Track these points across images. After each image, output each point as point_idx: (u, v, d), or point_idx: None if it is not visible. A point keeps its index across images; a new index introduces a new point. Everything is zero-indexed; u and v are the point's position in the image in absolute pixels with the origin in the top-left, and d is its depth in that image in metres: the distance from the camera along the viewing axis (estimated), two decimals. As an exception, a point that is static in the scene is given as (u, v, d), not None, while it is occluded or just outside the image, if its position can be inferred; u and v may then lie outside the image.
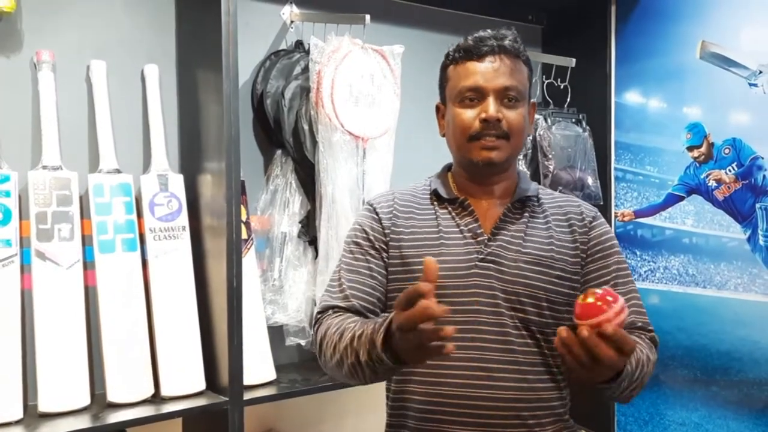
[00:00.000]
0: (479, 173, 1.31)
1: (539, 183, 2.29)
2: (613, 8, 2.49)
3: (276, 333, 1.97)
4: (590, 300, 1.00)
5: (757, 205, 2.11)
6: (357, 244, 1.32)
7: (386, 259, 1.30)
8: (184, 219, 1.79)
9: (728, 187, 2.19)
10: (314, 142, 1.91)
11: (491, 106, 1.23)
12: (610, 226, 2.49)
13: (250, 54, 2.00)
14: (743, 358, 2.16)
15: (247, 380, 1.73)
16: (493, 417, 1.22)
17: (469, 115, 1.26)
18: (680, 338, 2.31)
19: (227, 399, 1.67)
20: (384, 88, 1.92)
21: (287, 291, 1.96)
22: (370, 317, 1.25)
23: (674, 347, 2.32)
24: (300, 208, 2.00)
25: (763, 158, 2.10)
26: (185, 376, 1.72)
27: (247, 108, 2.01)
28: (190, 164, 1.86)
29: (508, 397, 1.23)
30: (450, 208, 1.32)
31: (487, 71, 1.24)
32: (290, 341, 1.96)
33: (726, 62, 2.18)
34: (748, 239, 2.14)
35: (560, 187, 2.26)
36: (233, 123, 1.68)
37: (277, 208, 2.01)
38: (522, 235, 1.28)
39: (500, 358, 1.23)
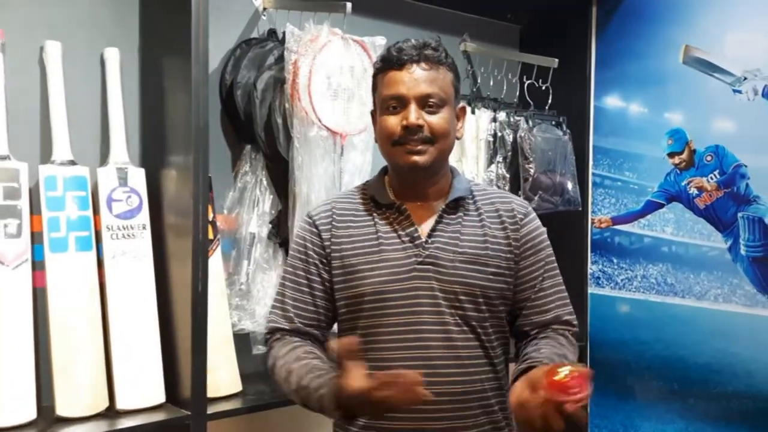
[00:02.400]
0: (409, 177, 1.36)
1: (519, 187, 2.21)
2: (594, 9, 2.44)
3: (242, 341, 1.85)
4: (564, 379, 1.08)
5: (739, 214, 2.08)
6: (299, 260, 1.40)
7: (328, 272, 1.37)
8: (144, 217, 1.68)
9: (710, 195, 2.15)
10: (288, 138, 1.79)
11: (412, 114, 1.30)
12: (588, 232, 2.44)
13: (218, 42, 1.88)
14: (722, 370, 2.12)
15: (211, 392, 1.64)
16: (437, 411, 1.29)
17: (392, 122, 1.32)
18: (657, 349, 2.26)
19: (189, 413, 1.57)
20: (364, 82, 1.81)
21: (255, 296, 1.85)
22: (315, 333, 1.38)
23: (651, 358, 2.27)
24: (271, 207, 1.89)
25: (746, 166, 2.07)
26: (143, 388, 1.60)
27: (215, 99, 1.90)
28: (153, 157, 1.74)
29: (452, 390, 1.31)
30: (388, 213, 1.38)
31: (407, 80, 1.31)
32: (258, 350, 1.84)
33: (710, 67, 2.15)
34: (729, 249, 2.11)
35: (540, 192, 2.19)
36: (202, 113, 1.58)
37: (245, 207, 1.89)
38: (457, 235, 1.35)
39: (443, 354, 1.31)
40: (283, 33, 1.89)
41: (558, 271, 1.43)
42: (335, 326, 1.46)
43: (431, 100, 1.31)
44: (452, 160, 2.37)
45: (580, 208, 2.37)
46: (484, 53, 2.37)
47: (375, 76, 1.39)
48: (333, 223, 1.39)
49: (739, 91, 2.08)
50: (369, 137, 1.83)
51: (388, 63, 1.34)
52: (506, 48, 2.57)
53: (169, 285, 1.66)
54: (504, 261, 1.36)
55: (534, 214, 1.43)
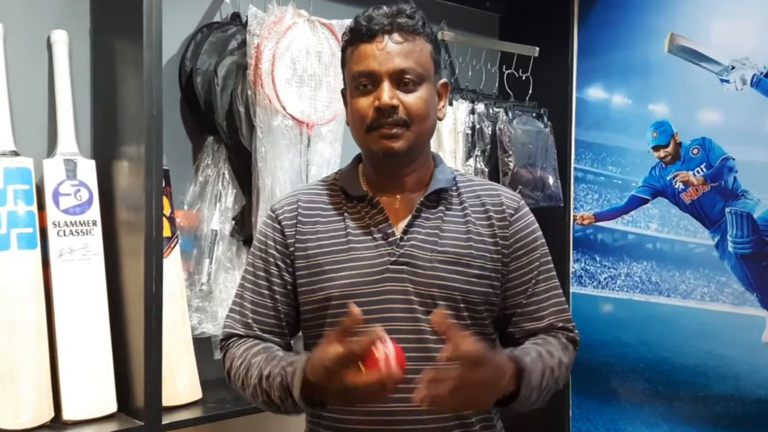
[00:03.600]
0: (384, 165, 1.21)
1: (498, 182, 2.12)
2: (576, -3, 2.35)
3: (202, 345, 1.75)
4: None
5: (727, 210, 2.00)
6: (260, 259, 1.25)
7: (291, 274, 1.22)
8: (95, 212, 1.58)
9: (696, 189, 2.07)
10: (251, 127, 1.69)
11: (385, 93, 1.13)
12: (569, 229, 2.35)
13: (178, 26, 1.78)
14: (709, 372, 2.04)
15: (168, 401, 1.56)
16: (411, 427, 1.15)
17: (363, 103, 1.16)
18: (642, 350, 2.17)
19: (142, 423, 1.49)
20: (332, 68, 1.70)
21: (217, 297, 1.74)
22: (275, 341, 1.22)
23: (635, 360, 2.18)
24: (234, 202, 1.78)
25: (734, 159, 1.99)
26: (93, 397, 1.51)
27: (175, 88, 1.79)
28: (104, 148, 1.64)
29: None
30: (359, 207, 1.23)
31: (379, 53, 1.14)
32: (220, 355, 1.71)
33: (696, 56, 2.07)
34: (717, 245, 2.03)
35: (520, 187, 2.10)
36: (155, 101, 1.48)
37: (207, 202, 1.78)
38: (437, 231, 1.20)
39: (418, 368, 1.10)
40: (247, 16, 1.79)
41: (554, 273, 1.27)
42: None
43: (407, 76, 1.14)
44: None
45: (562, 204, 2.28)
46: (462, 42, 2.27)
47: (344, 50, 1.22)
48: (298, 218, 1.24)
49: (727, 81, 1.99)
50: (338, 127, 1.73)
51: (357, 34, 1.17)
52: (485, 37, 2.47)
53: (121, 285, 1.57)
54: (490, 262, 1.20)
55: (527, 209, 1.27)
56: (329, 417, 1.18)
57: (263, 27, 1.64)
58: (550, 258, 1.27)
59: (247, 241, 1.77)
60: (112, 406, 1.52)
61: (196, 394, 1.67)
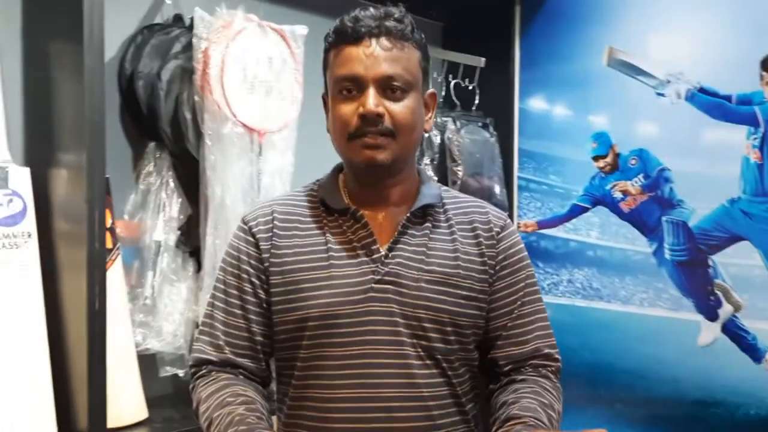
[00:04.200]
0: (366, 177, 1.14)
1: (445, 190, 2.12)
2: (518, 8, 2.39)
3: (148, 362, 1.66)
4: None
5: (664, 218, 2.07)
6: (232, 275, 1.15)
7: (266, 292, 1.13)
8: (30, 223, 1.47)
9: (634, 199, 2.14)
10: (198, 134, 1.62)
11: (370, 99, 1.06)
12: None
13: (116, 27, 1.69)
14: (648, 375, 2.10)
15: (113, 421, 1.47)
16: None
17: (346, 109, 1.08)
18: (584, 355, 2.22)
19: None
20: (284, 74, 1.66)
21: (162, 311, 1.66)
22: (249, 366, 1.14)
23: (578, 365, 2.23)
24: (179, 212, 1.70)
25: (670, 170, 2.06)
26: (30, 420, 1.41)
27: (113, 91, 1.70)
28: (39, 155, 1.54)
29: None
30: (341, 221, 1.14)
31: (365, 57, 1.06)
32: (165, 371, 1.66)
33: (633, 70, 2.13)
34: (654, 253, 2.10)
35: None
36: (97, 106, 1.40)
37: (149, 211, 1.70)
38: (423, 249, 1.12)
39: (402, 395, 1.07)
40: (191, 19, 1.72)
41: (539, 295, 1.20)
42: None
43: (394, 83, 1.07)
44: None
45: (507, 213, 2.30)
46: (407, 50, 2.26)
47: (327, 52, 1.14)
48: (274, 230, 1.14)
49: (663, 95, 2.07)
50: (291, 135, 1.68)
51: (342, 36, 1.09)
52: (429, 46, 2.47)
53: (60, 301, 1.47)
54: (477, 283, 1.13)
55: (513, 227, 1.21)
56: (308, 416, 1.11)
57: (211, 30, 1.58)
58: (536, 279, 1.21)
59: (194, 253, 1.71)
60: (51, 429, 1.41)
61: (142, 413, 1.58)
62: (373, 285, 1.09)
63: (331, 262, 1.10)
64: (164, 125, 1.64)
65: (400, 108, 1.07)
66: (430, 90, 1.17)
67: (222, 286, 1.15)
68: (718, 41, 1.97)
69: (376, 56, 1.06)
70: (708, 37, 1.99)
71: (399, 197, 1.15)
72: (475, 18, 2.44)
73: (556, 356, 1.19)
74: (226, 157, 1.58)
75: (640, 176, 2.12)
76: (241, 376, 1.13)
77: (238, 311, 1.13)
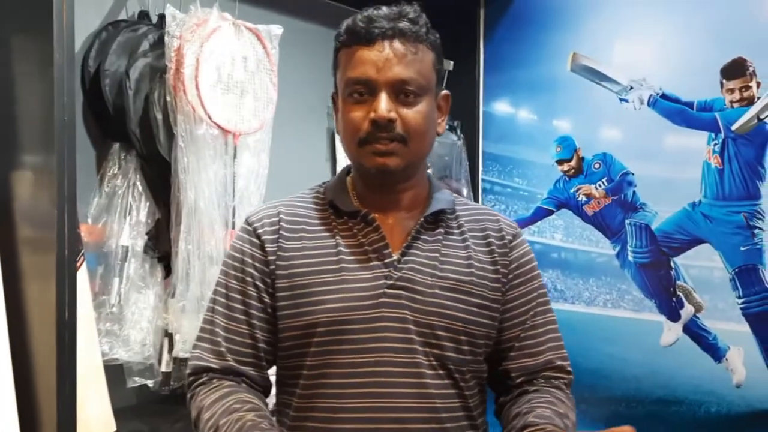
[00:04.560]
0: (376, 182, 1.09)
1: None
2: (482, 12, 2.40)
3: (114, 372, 1.59)
4: None
5: (627, 221, 2.12)
6: (234, 278, 1.09)
7: (271, 296, 1.07)
8: (-11, 229, 1.37)
9: (598, 202, 2.18)
10: (170, 136, 1.57)
11: (382, 104, 1.01)
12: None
13: (78, 22, 1.59)
14: (611, 375, 2.14)
15: None
16: None
17: (357, 114, 1.04)
18: (548, 356, 2.25)
19: None
20: (259, 75, 1.62)
21: (129, 319, 1.60)
22: (252, 374, 1.08)
23: (542, 365, 2.25)
24: (147, 216, 1.64)
25: (633, 174, 2.11)
26: None
27: (75, 89, 1.61)
28: (1, 157, 1.43)
29: None
30: (351, 224, 1.09)
31: (378, 60, 1.02)
32: (134, 382, 1.60)
33: (597, 76, 2.17)
34: (618, 255, 2.14)
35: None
36: (67, 106, 1.33)
37: (115, 215, 1.64)
38: (437, 255, 1.08)
39: (415, 405, 1.03)
40: (159, 16, 1.68)
41: (550, 305, 1.17)
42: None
43: (408, 87, 1.02)
44: (345, 163, 2.26)
45: (473, 215, 2.32)
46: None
47: (337, 51, 1.09)
48: (281, 232, 1.08)
49: (626, 100, 2.11)
50: (266, 137, 1.64)
51: (355, 36, 1.04)
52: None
53: (23, 311, 1.38)
54: (490, 291, 1.09)
55: (523, 236, 1.18)
56: (313, 427, 1.06)
57: (184, 29, 1.53)
58: (546, 290, 1.18)
59: (162, 258, 1.64)
60: (14, 448, 1.35)
61: (110, 425, 1.51)
62: (385, 290, 1.04)
63: (342, 265, 1.05)
64: (133, 126, 1.58)
65: (412, 113, 1.03)
66: (444, 91, 1.13)
67: (223, 290, 1.09)
68: (680, 49, 2.03)
69: (388, 59, 1.02)
70: (670, 45, 2.04)
71: (409, 202, 1.11)
72: (439, 22, 2.42)
73: (569, 369, 1.16)
74: (199, 160, 1.53)
75: (604, 180, 2.16)
76: (243, 384, 1.07)
77: (241, 316, 1.07)
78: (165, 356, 1.62)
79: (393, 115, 1.02)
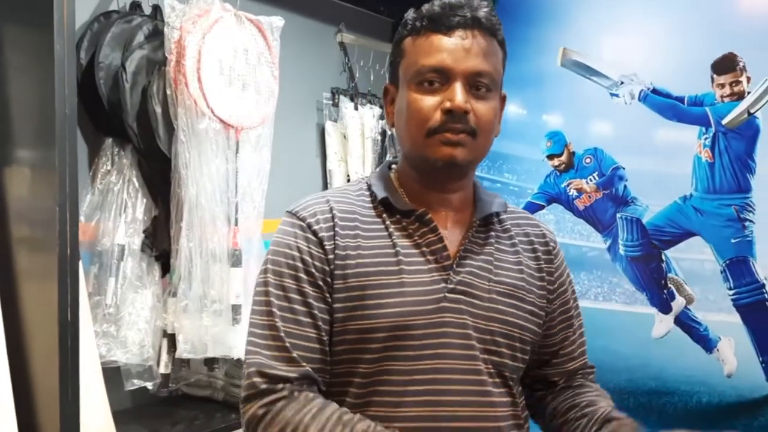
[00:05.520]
0: (436, 176, 1.04)
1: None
2: (471, 7, 2.39)
3: (111, 374, 1.54)
4: None
5: (618, 215, 2.14)
6: (291, 277, 1.00)
7: (330, 296, 1.00)
8: (-17, 228, 1.31)
9: (589, 196, 2.19)
10: (170, 130, 1.52)
11: (458, 94, 0.97)
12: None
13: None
14: (603, 367, 2.11)
15: None
16: None
17: (428, 102, 0.99)
18: (540, 350, 2.26)
19: None
20: (260, 68, 1.58)
21: (126, 320, 1.55)
22: (320, 381, 0.99)
23: (534, 359, 2.26)
24: (144, 213, 1.59)
25: (624, 168, 2.13)
26: None
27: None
28: None
29: None
30: (405, 223, 1.03)
31: (456, 49, 0.97)
32: (132, 385, 1.54)
33: (587, 71, 2.19)
34: (609, 249, 2.16)
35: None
36: (68, 99, 1.28)
37: (110, 213, 1.59)
38: (491, 260, 1.05)
39: (477, 414, 0.99)
40: (153, 7, 1.63)
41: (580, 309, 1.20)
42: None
43: (482, 80, 0.98)
44: (335, 160, 2.24)
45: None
46: (364, 46, 2.23)
47: (402, 40, 1.03)
48: (336, 229, 1.01)
49: (617, 95, 2.13)
50: (268, 132, 1.60)
51: (431, 23, 0.99)
52: (379, 43, 2.45)
53: (20, 313, 1.33)
54: (538, 298, 1.08)
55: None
56: None
57: (185, 19, 1.48)
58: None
59: (160, 257, 1.60)
60: (12, 455, 1.29)
61: (109, 429, 1.47)
62: (446, 294, 1.00)
63: (402, 267, 1.00)
64: (130, 120, 1.53)
65: (485, 108, 1.00)
66: (503, 92, 1.10)
67: (280, 292, 0.99)
68: (671, 44, 2.05)
69: (467, 49, 0.98)
70: (661, 40, 2.07)
71: (459, 203, 1.08)
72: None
73: (591, 363, 1.21)
74: (201, 155, 1.49)
75: (595, 174, 2.18)
76: (321, 395, 0.98)
77: (306, 319, 0.98)
78: (164, 357, 1.58)
79: (468, 106, 0.98)
